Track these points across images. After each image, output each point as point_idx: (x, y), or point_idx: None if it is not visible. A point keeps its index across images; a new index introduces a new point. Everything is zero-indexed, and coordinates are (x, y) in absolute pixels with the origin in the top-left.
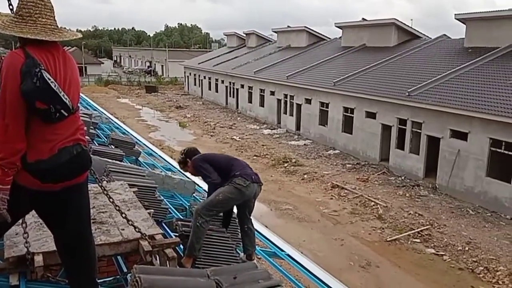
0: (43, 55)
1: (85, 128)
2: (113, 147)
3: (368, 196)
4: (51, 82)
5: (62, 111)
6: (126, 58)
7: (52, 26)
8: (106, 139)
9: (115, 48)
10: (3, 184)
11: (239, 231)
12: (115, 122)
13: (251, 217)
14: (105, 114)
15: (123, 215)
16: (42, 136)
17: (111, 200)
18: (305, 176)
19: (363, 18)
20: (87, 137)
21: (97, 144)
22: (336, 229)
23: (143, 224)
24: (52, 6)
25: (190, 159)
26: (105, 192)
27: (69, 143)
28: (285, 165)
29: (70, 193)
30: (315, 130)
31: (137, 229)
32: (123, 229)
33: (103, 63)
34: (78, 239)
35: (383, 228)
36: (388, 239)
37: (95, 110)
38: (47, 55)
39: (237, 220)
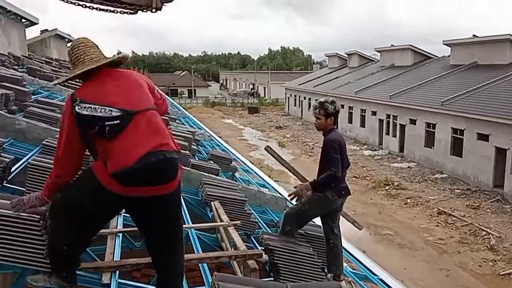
0: (92, 84)
1: (168, 131)
2: (211, 162)
3: (479, 224)
4: (88, 108)
5: (108, 122)
6: (232, 81)
7: (98, 58)
8: (206, 155)
9: (221, 72)
10: (43, 202)
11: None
12: (216, 140)
13: (339, 233)
14: (208, 133)
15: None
16: (113, 148)
17: None
18: (408, 200)
19: (473, 35)
20: (187, 151)
21: (197, 159)
22: (442, 259)
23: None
24: (94, 43)
25: (334, 118)
26: None
27: (149, 148)
28: (387, 188)
29: (154, 203)
30: (420, 152)
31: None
32: None
33: (210, 86)
34: (165, 248)
35: (495, 261)
36: (501, 273)
37: (199, 128)
38: (97, 82)
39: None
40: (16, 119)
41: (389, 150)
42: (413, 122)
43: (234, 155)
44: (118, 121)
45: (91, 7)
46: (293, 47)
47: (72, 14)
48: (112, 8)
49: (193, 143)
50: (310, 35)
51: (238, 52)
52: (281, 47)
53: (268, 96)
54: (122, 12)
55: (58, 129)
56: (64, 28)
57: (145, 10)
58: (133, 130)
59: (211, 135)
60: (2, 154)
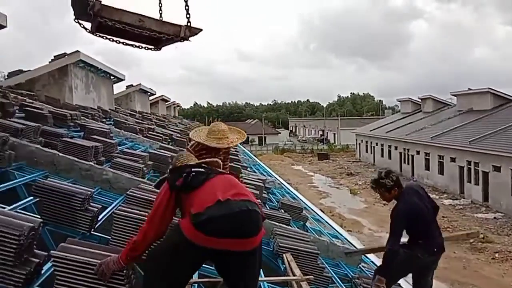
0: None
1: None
2: (282, 211)
3: None
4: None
5: (194, 169)
6: (301, 127)
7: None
8: (277, 204)
9: (291, 119)
10: (119, 267)
11: None
12: (286, 188)
13: None
14: (278, 180)
15: None
16: (197, 195)
17: None
18: (497, 255)
19: None
20: (258, 200)
21: (268, 208)
22: None
23: None
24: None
25: (397, 187)
26: None
27: (230, 195)
28: (471, 241)
29: (238, 259)
30: (508, 202)
31: None
32: None
33: (280, 133)
34: None
35: None
36: None
37: (269, 176)
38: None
39: None
40: (103, 169)
41: (472, 199)
42: (497, 169)
43: (305, 203)
44: (203, 170)
45: (117, 42)
46: (363, 93)
47: (153, 68)
48: (137, 44)
49: (264, 191)
50: (380, 80)
51: (307, 100)
52: (351, 93)
53: (338, 142)
54: (146, 48)
55: (139, 179)
56: (147, 82)
57: (172, 40)
58: (216, 181)
59: (281, 183)
60: (91, 203)
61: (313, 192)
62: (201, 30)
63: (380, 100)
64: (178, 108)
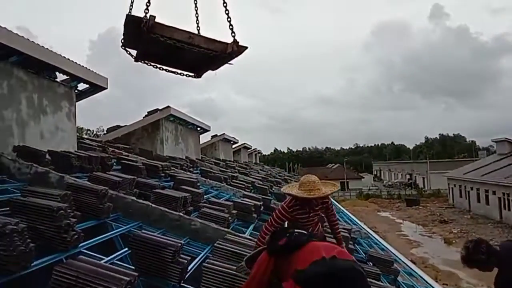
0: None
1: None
2: (371, 264)
3: None
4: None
5: (296, 230)
6: (386, 171)
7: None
8: (364, 255)
9: (375, 163)
10: None
11: None
12: (374, 237)
13: None
14: (364, 229)
15: None
16: (300, 254)
17: None
18: None
19: None
20: None
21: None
22: None
23: None
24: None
25: (493, 256)
26: None
27: (337, 254)
28: None
29: None
30: None
31: None
32: None
33: (363, 177)
34: None
35: None
36: None
37: (354, 224)
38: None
39: None
40: (192, 219)
41: None
42: None
43: (394, 254)
44: (304, 231)
45: (160, 68)
46: (453, 134)
47: (236, 118)
48: (179, 71)
49: (349, 242)
50: (471, 119)
51: (392, 142)
52: (439, 134)
53: (428, 187)
54: (187, 76)
55: (225, 229)
56: (230, 131)
57: (214, 63)
58: (318, 242)
59: (368, 232)
60: (181, 254)
61: (403, 241)
62: (246, 48)
63: (472, 141)
64: (259, 155)
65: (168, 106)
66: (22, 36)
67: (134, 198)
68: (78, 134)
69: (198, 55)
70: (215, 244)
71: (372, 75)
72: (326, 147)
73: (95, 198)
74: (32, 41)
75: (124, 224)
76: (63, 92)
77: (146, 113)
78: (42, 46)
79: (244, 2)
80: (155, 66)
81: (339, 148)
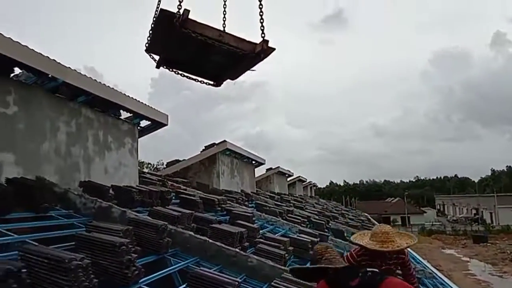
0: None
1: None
2: None
3: None
4: None
5: (357, 278)
6: (450, 206)
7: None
8: None
9: (437, 197)
10: None
11: None
12: (439, 277)
13: None
14: (428, 268)
15: None
16: None
17: None
18: None
19: None
20: None
21: None
22: None
23: None
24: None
25: None
26: None
27: None
28: None
29: None
30: None
31: None
32: None
33: (425, 212)
34: None
35: None
36: None
37: (418, 262)
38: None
39: None
40: (248, 256)
41: None
42: None
43: None
44: (377, 270)
45: (181, 75)
46: None
47: (290, 150)
48: (199, 79)
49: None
50: None
51: (455, 175)
52: (507, 166)
53: (496, 223)
54: (207, 84)
55: (282, 267)
56: (284, 163)
57: (236, 70)
58: (390, 281)
59: (432, 271)
60: None
61: (471, 281)
62: (274, 49)
63: None
64: (314, 188)
65: (224, 141)
66: (90, 77)
67: (192, 233)
68: (139, 168)
69: (224, 57)
70: (272, 283)
71: (430, 104)
72: (385, 180)
73: (155, 233)
74: (99, 82)
75: (182, 259)
76: (127, 129)
77: (203, 148)
78: (108, 86)
79: (295, 34)
80: (176, 73)
81: (398, 181)
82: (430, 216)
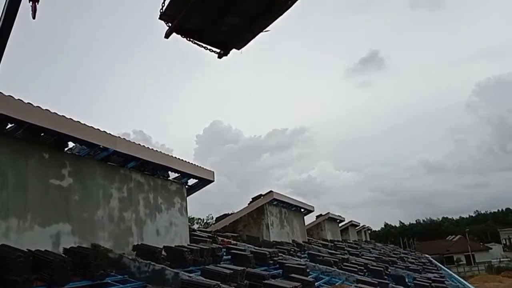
0: None
1: None
2: None
3: None
4: None
5: None
6: None
7: None
8: None
9: (501, 231)
10: None
11: None
12: None
13: None
14: None
15: None
16: None
17: None
18: None
19: None
20: None
21: None
22: None
23: None
24: None
25: None
26: None
27: None
28: None
29: None
30: None
31: None
32: None
33: (491, 248)
34: None
35: None
36: None
37: None
38: None
39: None
40: None
41: None
42: None
43: None
44: None
45: (192, 41)
46: None
47: (339, 194)
48: (208, 47)
49: None
50: None
51: None
52: None
53: None
54: (215, 52)
55: None
56: (335, 208)
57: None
58: None
59: None
60: None
61: None
62: None
63: None
64: (368, 231)
65: (271, 191)
66: (138, 144)
67: None
68: (189, 223)
69: (242, 17)
70: None
71: (481, 135)
72: (443, 217)
73: None
74: (147, 147)
75: None
76: (175, 189)
77: (251, 199)
78: (156, 150)
79: (332, 80)
80: (187, 39)
81: (457, 217)
82: (497, 252)
